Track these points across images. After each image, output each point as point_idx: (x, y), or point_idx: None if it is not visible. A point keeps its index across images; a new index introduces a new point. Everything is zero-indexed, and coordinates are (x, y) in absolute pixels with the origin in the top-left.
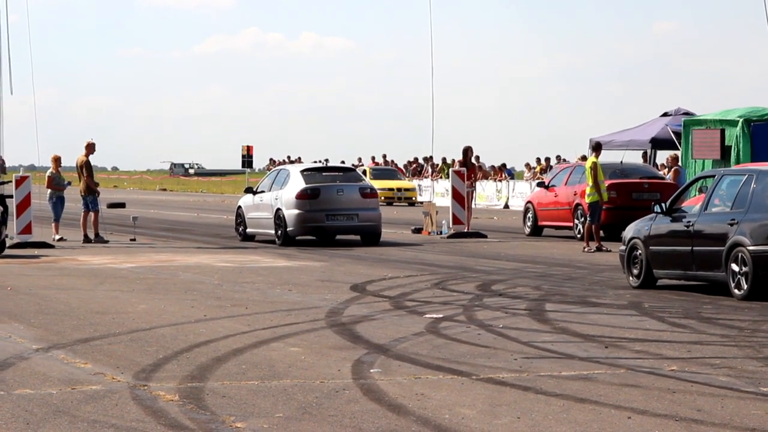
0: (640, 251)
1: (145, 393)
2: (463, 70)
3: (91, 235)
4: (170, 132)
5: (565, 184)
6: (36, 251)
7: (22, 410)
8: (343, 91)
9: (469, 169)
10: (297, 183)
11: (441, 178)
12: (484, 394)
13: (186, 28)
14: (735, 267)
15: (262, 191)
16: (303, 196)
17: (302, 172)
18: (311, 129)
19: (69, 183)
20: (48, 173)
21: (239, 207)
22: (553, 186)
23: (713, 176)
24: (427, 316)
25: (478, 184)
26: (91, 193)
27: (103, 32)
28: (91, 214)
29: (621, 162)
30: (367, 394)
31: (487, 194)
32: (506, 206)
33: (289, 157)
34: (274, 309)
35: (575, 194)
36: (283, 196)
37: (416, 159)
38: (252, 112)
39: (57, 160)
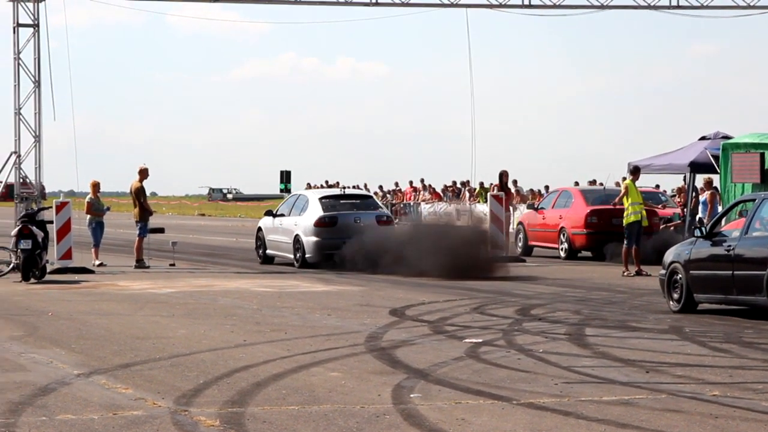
0: (680, 275)
1: (185, 418)
2: (498, 93)
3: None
4: (208, 157)
5: (552, 207)
6: (76, 276)
7: None
8: (380, 115)
9: (506, 193)
10: (315, 210)
11: (479, 202)
12: (524, 419)
13: (224, 53)
14: None
15: (282, 214)
16: (321, 223)
17: (320, 199)
18: (348, 153)
19: (108, 208)
20: (87, 199)
21: (259, 229)
22: (542, 209)
23: (753, 200)
24: (466, 340)
25: (516, 207)
26: (144, 219)
27: (142, 58)
28: (136, 240)
29: (603, 187)
30: (407, 419)
31: None
32: None
33: (327, 182)
34: (313, 334)
35: (560, 217)
36: (302, 223)
37: (454, 183)
38: (289, 137)
39: (96, 186)
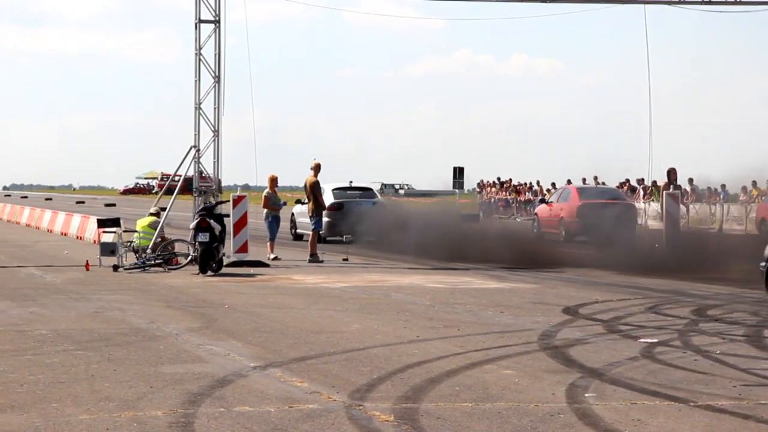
0: None
1: (360, 413)
2: (677, 90)
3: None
4: (381, 152)
5: (557, 201)
6: (252, 270)
7: (241, 427)
8: (554, 111)
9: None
10: (328, 198)
11: (652, 200)
12: (702, 422)
13: (399, 49)
14: None
15: (306, 202)
16: (332, 208)
17: (333, 189)
18: (521, 149)
19: (284, 203)
20: (265, 193)
21: (293, 213)
22: (551, 202)
23: None
24: (641, 340)
25: (690, 206)
26: (319, 214)
27: (318, 53)
28: (311, 234)
29: (596, 185)
30: (582, 418)
31: (699, 217)
32: (720, 229)
33: (499, 179)
34: (486, 331)
35: (561, 209)
36: None
37: (627, 181)
38: (462, 133)
39: (273, 180)
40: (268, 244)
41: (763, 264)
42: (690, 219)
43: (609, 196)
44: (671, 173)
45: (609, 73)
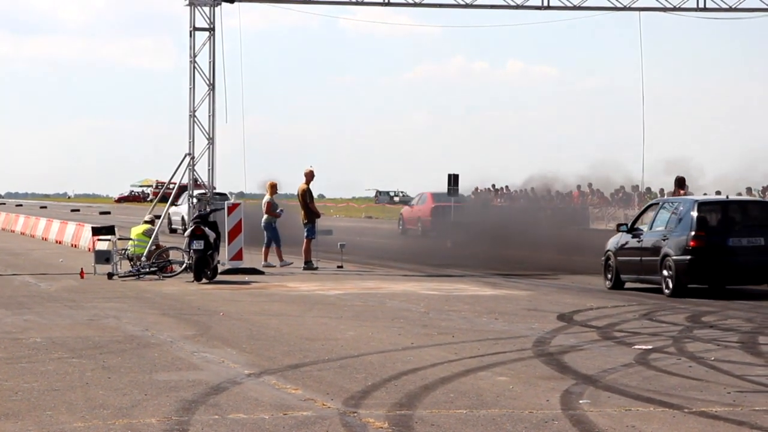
0: (612, 261)
1: (354, 420)
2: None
3: (299, 262)
4: (376, 159)
5: (416, 204)
6: (246, 277)
7: None
8: (549, 118)
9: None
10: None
11: None
12: (697, 428)
13: (394, 56)
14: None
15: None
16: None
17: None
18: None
19: (282, 211)
20: (266, 199)
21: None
22: (413, 205)
23: (658, 203)
24: (636, 347)
25: None
26: (311, 221)
27: (314, 60)
28: (305, 242)
29: (449, 190)
30: (576, 425)
31: None
32: None
33: (494, 185)
34: (480, 338)
35: (419, 211)
36: None
37: (622, 188)
38: (457, 140)
39: (274, 187)
40: (264, 249)
41: (603, 258)
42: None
43: (459, 200)
44: (681, 181)
45: (604, 79)
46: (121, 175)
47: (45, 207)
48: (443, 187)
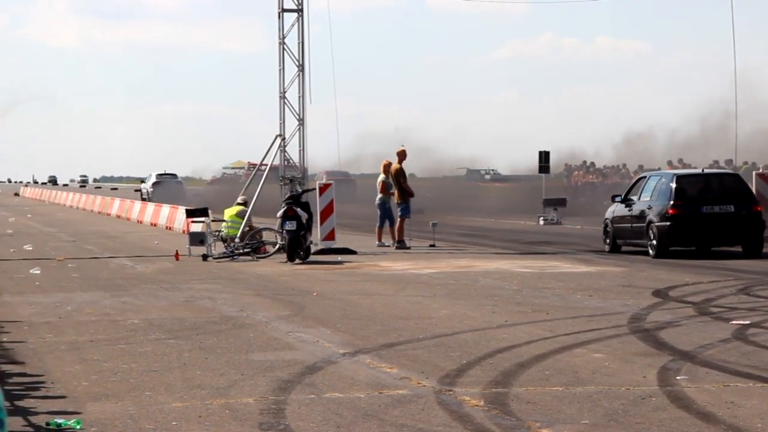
0: (609, 227)
1: (450, 398)
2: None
3: (389, 242)
4: (466, 138)
5: None
6: (339, 257)
7: (332, 413)
8: (639, 94)
9: None
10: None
11: None
12: None
13: (483, 34)
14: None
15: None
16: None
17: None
18: (607, 133)
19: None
20: (381, 178)
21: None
22: None
23: (645, 176)
24: (733, 322)
25: None
26: (405, 201)
27: (402, 40)
28: (398, 221)
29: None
30: (674, 401)
31: None
32: None
33: (584, 162)
34: (575, 315)
35: None
36: None
37: (716, 162)
38: (548, 117)
39: (388, 165)
40: (377, 229)
41: (602, 225)
42: None
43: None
44: None
45: (696, 54)
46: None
47: (139, 190)
48: (534, 165)
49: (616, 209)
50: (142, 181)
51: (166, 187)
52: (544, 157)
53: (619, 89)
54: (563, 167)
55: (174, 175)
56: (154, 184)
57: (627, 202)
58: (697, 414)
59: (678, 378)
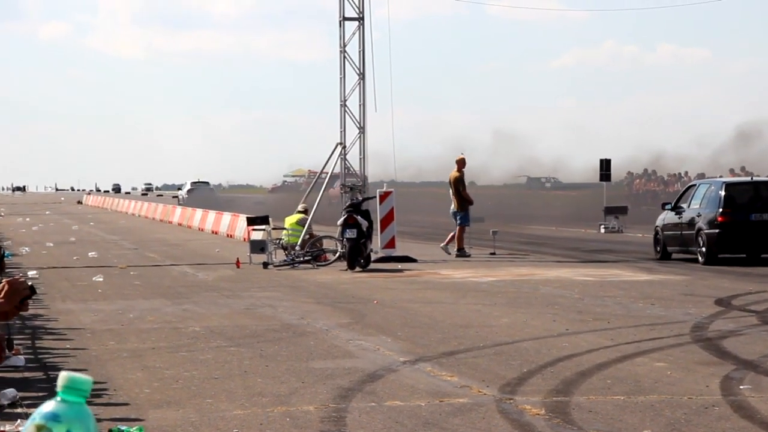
0: (660, 235)
1: (511, 406)
2: None
3: (452, 250)
4: (526, 145)
5: None
6: (399, 265)
7: (392, 422)
8: (704, 101)
9: None
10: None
11: None
12: None
13: (543, 42)
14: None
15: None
16: None
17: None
18: (669, 140)
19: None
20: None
21: None
22: None
23: (694, 185)
24: None
25: None
26: (463, 209)
27: (463, 48)
28: (457, 229)
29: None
30: (737, 411)
31: None
32: None
33: (646, 170)
34: (636, 323)
35: None
36: None
37: None
38: (609, 126)
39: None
40: (453, 235)
41: (653, 233)
42: None
43: None
44: None
45: (760, 60)
46: (273, 165)
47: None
48: (596, 173)
49: (667, 217)
50: (179, 188)
51: (200, 193)
52: (605, 165)
53: (681, 96)
54: (625, 175)
55: (207, 183)
56: (189, 191)
57: (677, 209)
58: (760, 424)
59: (741, 387)
